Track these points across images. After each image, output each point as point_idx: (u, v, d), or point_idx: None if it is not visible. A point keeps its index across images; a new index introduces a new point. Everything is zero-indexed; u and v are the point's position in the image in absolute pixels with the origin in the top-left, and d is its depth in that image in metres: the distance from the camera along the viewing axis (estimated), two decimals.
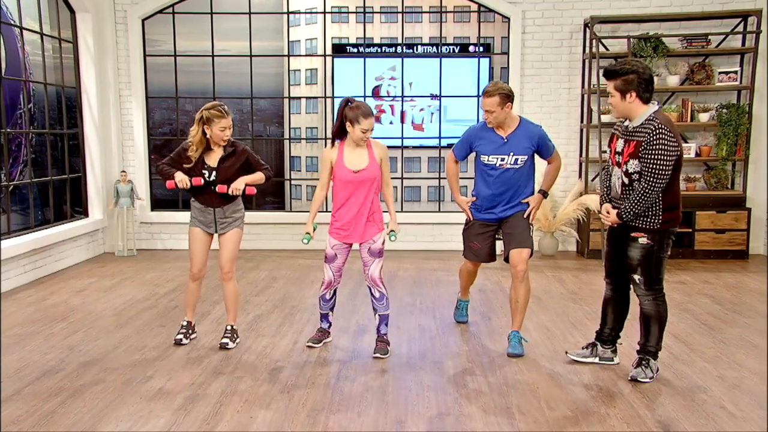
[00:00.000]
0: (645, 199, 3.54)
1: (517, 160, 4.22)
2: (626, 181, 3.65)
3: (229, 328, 4.36)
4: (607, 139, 7.44)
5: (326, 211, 5.20)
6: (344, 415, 3.33)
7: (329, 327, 4.47)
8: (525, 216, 4.28)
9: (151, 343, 4.44)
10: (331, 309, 4.43)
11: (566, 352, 4.17)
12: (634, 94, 3.57)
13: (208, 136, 4.21)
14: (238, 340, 4.37)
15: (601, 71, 3.92)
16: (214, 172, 4.23)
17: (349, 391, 3.64)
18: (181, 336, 4.45)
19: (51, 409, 3.42)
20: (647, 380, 3.74)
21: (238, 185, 4.19)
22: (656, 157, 3.48)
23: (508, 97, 4.12)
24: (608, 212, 3.75)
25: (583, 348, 4.13)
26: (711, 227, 7.16)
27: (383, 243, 4.20)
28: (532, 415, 3.33)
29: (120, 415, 3.34)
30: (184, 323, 4.51)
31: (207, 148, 4.25)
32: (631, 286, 3.86)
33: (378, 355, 4.15)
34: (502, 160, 4.22)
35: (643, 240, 3.64)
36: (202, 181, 4.22)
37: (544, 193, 4.30)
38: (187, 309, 4.51)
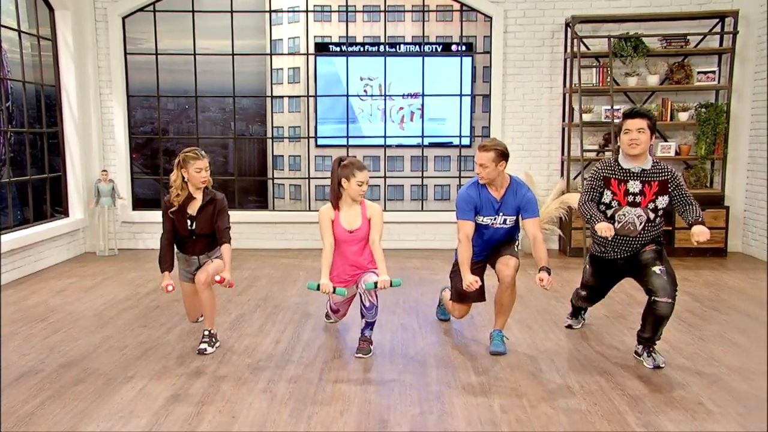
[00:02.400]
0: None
1: (506, 220, 4.25)
2: (651, 216, 3.97)
3: (206, 332, 4.30)
4: (589, 137, 7.57)
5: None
6: (327, 414, 3.33)
7: None
8: (538, 284, 4.06)
9: (133, 343, 4.42)
10: None
11: (569, 326, 4.74)
12: (654, 137, 3.98)
13: (186, 180, 4.24)
14: (217, 344, 4.32)
15: (623, 108, 4.04)
16: (195, 222, 4.28)
17: (331, 390, 3.64)
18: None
19: (30, 410, 3.39)
20: (663, 365, 3.98)
21: (228, 276, 4.22)
22: (685, 186, 4.01)
23: (503, 156, 4.09)
24: (700, 233, 3.81)
25: (573, 319, 4.77)
26: (686, 223, 7.21)
27: None
28: (514, 413, 3.35)
29: (101, 416, 3.31)
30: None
31: (191, 196, 4.29)
32: (651, 287, 3.90)
33: (360, 354, 4.16)
34: (494, 220, 4.24)
35: (650, 246, 4.04)
36: (172, 288, 4.22)
37: (548, 270, 4.08)
38: None
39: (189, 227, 4.29)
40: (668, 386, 3.68)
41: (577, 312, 4.75)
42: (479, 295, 4.35)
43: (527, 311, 5.18)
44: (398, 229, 7.83)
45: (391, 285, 4.05)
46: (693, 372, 3.90)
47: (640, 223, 3.95)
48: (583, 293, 4.48)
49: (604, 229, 3.80)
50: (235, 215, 7.43)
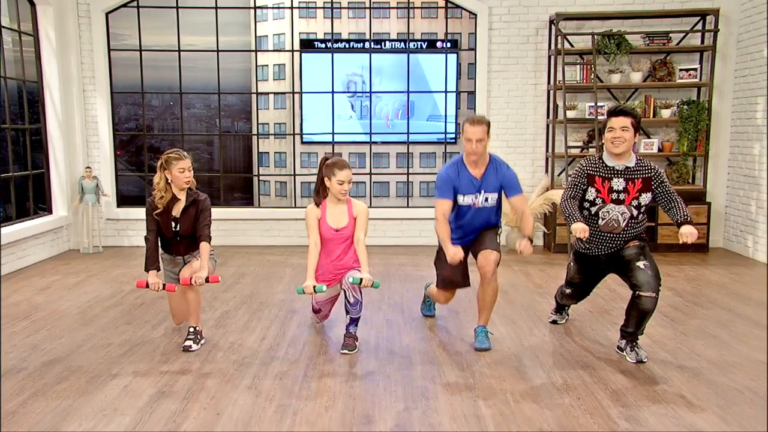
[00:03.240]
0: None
1: (487, 198, 4.26)
2: (635, 213, 4.01)
3: (191, 330, 4.30)
4: (573, 134, 7.62)
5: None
6: (312, 411, 3.34)
7: None
8: (518, 250, 4.09)
9: (117, 341, 4.40)
10: None
11: (555, 322, 4.77)
12: (637, 135, 4.02)
13: (169, 181, 4.24)
14: (202, 341, 4.33)
15: (607, 105, 4.09)
16: (178, 224, 4.29)
17: (316, 386, 3.65)
18: None
19: (12, 409, 3.36)
20: (646, 359, 4.05)
21: (202, 275, 4.18)
22: (668, 182, 4.05)
23: (489, 126, 4.16)
24: (689, 234, 3.84)
25: (557, 314, 4.80)
26: (673, 221, 7.30)
27: None
28: (498, 407, 3.38)
29: (84, 414, 3.30)
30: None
31: (175, 198, 4.28)
32: (636, 282, 3.93)
33: (345, 351, 4.17)
34: (475, 198, 4.24)
35: (634, 242, 4.08)
36: (175, 288, 4.29)
37: (531, 240, 4.12)
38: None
39: (173, 228, 4.30)
40: (650, 380, 3.73)
41: (561, 307, 4.79)
42: (463, 279, 4.37)
43: (511, 307, 5.21)
44: (383, 226, 7.85)
45: (372, 285, 4.09)
46: (675, 366, 3.94)
47: (624, 220, 3.99)
48: (568, 291, 4.51)
49: (579, 230, 3.82)
50: (220, 212, 7.45)
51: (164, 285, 4.23)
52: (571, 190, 4.08)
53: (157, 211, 4.26)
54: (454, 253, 4.06)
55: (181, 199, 4.31)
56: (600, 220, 4.02)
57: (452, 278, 4.32)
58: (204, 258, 4.24)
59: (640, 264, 3.95)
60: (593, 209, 4.04)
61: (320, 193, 4.29)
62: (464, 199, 4.23)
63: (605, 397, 3.50)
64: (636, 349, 4.05)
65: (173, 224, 4.29)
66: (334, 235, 4.26)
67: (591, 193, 4.04)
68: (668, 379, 3.75)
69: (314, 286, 4.09)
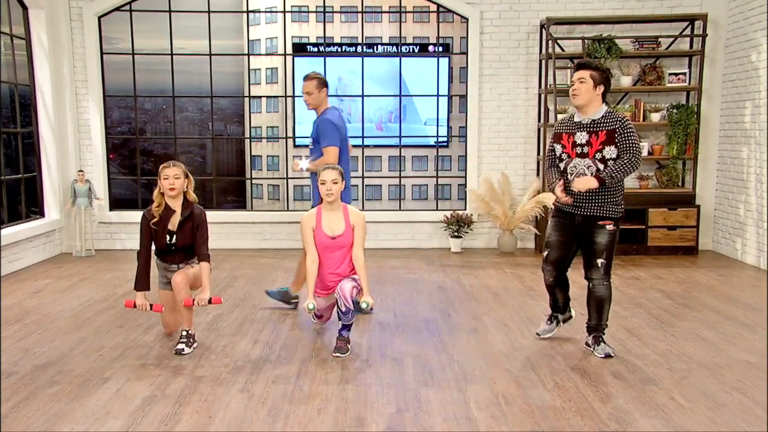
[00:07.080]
0: (629, 169, 3.94)
1: (311, 142, 4.95)
2: (601, 167, 4.02)
3: (184, 333, 4.30)
4: None
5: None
6: (304, 414, 3.35)
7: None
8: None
9: (109, 344, 4.40)
10: None
11: (537, 334, 4.55)
12: (602, 89, 4.02)
13: (162, 190, 4.31)
14: (195, 345, 4.33)
15: (569, 63, 4.23)
16: (174, 236, 4.32)
17: (308, 389, 3.66)
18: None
19: (3, 413, 3.36)
20: (613, 354, 4.15)
21: (204, 297, 4.24)
22: (633, 139, 3.96)
23: (322, 83, 4.86)
24: (578, 181, 3.98)
25: (547, 324, 4.56)
26: (663, 224, 7.38)
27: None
28: (490, 410, 3.40)
29: (76, 418, 3.30)
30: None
31: (170, 209, 4.31)
32: (589, 274, 4.16)
33: (338, 354, 4.18)
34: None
35: (610, 227, 4.07)
36: (163, 308, 4.37)
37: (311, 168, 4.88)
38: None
39: (169, 241, 4.33)
40: (640, 382, 3.76)
41: (554, 310, 4.62)
42: None
43: (503, 309, 5.24)
44: (376, 229, 7.86)
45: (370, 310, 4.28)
46: (665, 368, 3.98)
47: (593, 173, 4.02)
48: (545, 254, 4.39)
49: (557, 196, 4.10)
50: (213, 215, 7.43)
51: (151, 306, 4.29)
52: (549, 159, 4.25)
53: (154, 220, 4.29)
54: None
55: (176, 210, 4.33)
56: (569, 176, 4.11)
57: None
58: (205, 278, 4.29)
59: (599, 261, 4.09)
60: (561, 165, 4.16)
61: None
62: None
63: (596, 399, 3.53)
64: (602, 343, 4.19)
65: (168, 237, 4.33)
66: (330, 243, 4.27)
67: (558, 150, 4.17)
68: (658, 380, 3.78)
69: (307, 305, 4.16)
